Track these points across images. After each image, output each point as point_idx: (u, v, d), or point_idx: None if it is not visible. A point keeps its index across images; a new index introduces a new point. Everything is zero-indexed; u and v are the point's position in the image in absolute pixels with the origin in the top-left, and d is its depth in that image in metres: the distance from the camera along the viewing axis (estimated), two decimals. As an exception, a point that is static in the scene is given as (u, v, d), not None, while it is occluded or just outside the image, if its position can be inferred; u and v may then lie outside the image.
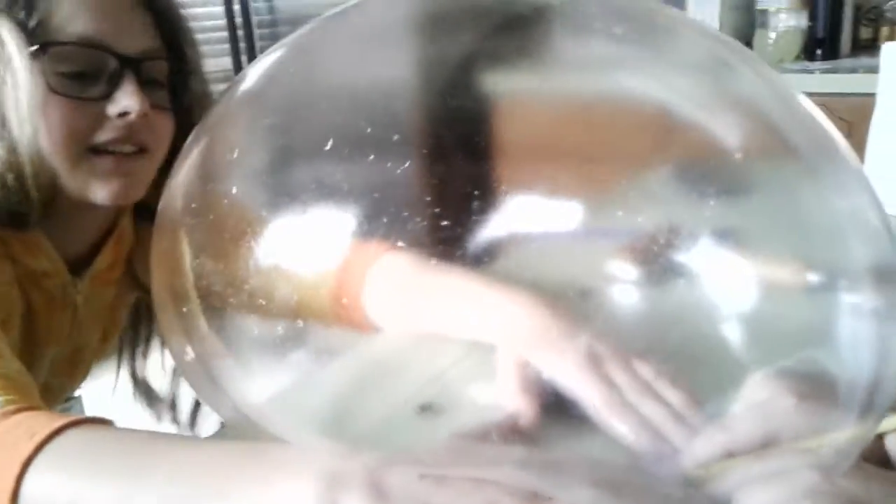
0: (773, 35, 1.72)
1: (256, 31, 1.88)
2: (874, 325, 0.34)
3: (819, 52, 1.71)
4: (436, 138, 0.51)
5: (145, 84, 0.59)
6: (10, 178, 0.55)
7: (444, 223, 0.51)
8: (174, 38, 0.63)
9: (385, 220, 0.53)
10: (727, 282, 0.44)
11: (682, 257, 0.45)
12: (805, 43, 1.72)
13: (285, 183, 0.49)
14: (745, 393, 0.43)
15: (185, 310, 0.43)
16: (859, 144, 0.88)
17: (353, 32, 0.49)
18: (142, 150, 0.60)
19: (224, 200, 0.44)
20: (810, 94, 1.37)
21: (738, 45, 0.38)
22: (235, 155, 0.45)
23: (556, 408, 0.47)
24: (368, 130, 0.51)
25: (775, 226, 0.39)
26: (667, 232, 0.47)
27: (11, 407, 0.44)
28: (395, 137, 0.51)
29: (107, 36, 0.57)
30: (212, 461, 0.40)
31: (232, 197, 0.44)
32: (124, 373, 0.79)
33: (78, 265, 0.66)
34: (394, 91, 0.50)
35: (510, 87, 0.47)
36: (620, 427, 0.45)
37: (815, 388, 0.39)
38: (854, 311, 0.35)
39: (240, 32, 1.87)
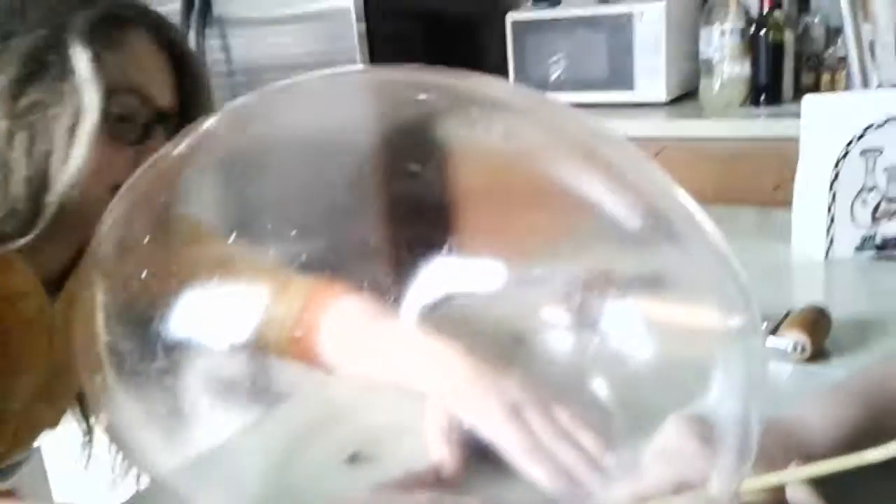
0: (717, 83, 1.77)
1: (213, 81, 1.90)
2: (743, 369, 0.37)
3: (763, 98, 1.77)
4: (386, 191, 0.53)
5: (167, 136, 0.62)
6: (23, 194, 0.56)
7: (392, 270, 0.53)
8: (193, 97, 0.67)
9: (333, 271, 0.55)
10: (635, 333, 0.46)
11: (595, 311, 0.48)
12: (749, 89, 1.78)
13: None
14: (656, 437, 0.45)
15: (98, 378, 0.44)
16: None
17: (302, 95, 0.51)
18: None
19: (139, 280, 0.45)
20: (756, 139, 1.39)
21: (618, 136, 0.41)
22: (147, 238, 0.46)
23: (479, 456, 0.49)
24: (320, 185, 0.53)
25: (670, 285, 0.43)
26: (585, 286, 0.50)
27: None
28: (347, 193, 0.54)
29: (149, 88, 0.62)
30: None
31: (149, 276, 0.45)
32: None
33: (54, 286, 0.66)
34: (344, 147, 0.52)
35: (454, 146, 0.49)
36: (538, 473, 0.46)
37: (713, 430, 0.40)
38: (728, 358, 0.37)
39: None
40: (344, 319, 0.58)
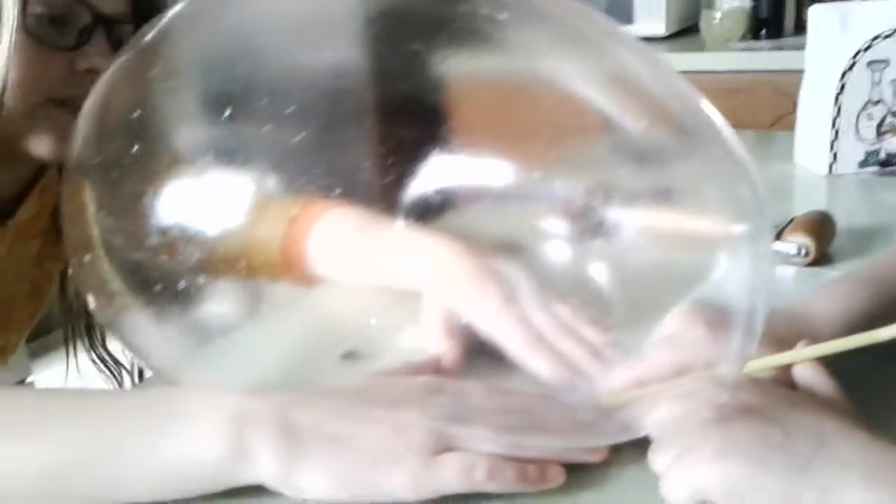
0: (718, 15, 1.74)
1: None
2: (750, 264, 0.37)
3: (764, 31, 1.74)
4: (384, 100, 0.51)
5: (111, 44, 0.58)
6: None
7: (389, 183, 0.51)
8: (146, 4, 0.61)
9: (329, 178, 0.53)
10: (639, 234, 0.45)
11: (601, 216, 0.47)
12: (750, 23, 1.75)
13: (212, 138, 0.49)
14: (660, 327, 0.45)
15: (87, 258, 0.42)
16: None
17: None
18: None
19: (130, 156, 0.44)
20: (756, 72, 1.37)
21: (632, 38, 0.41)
22: (138, 113, 0.44)
23: (479, 350, 0.48)
24: (314, 88, 0.51)
25: (681, 191, 0.42)
26: (587, 194, 0.49)
27: None
28: (341, 98, 0.52)
29: None
30: (110, 410, 0.39)
31: (139, 153, 0.44)
32: (81, 355, 0.74)
33: (2, 213, 0.63)
34: (337, 48, 0.50)
35: (455, 61, 0.48)
36: (537, 364, 0.45)
37: (719, 316, 0.39)
38: (735, 254, 0.38)
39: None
40: (332, 232, 0.56)
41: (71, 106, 0.56)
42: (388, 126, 0.53)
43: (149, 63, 0.46)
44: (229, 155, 0.49)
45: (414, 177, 0.50)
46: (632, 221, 0.48)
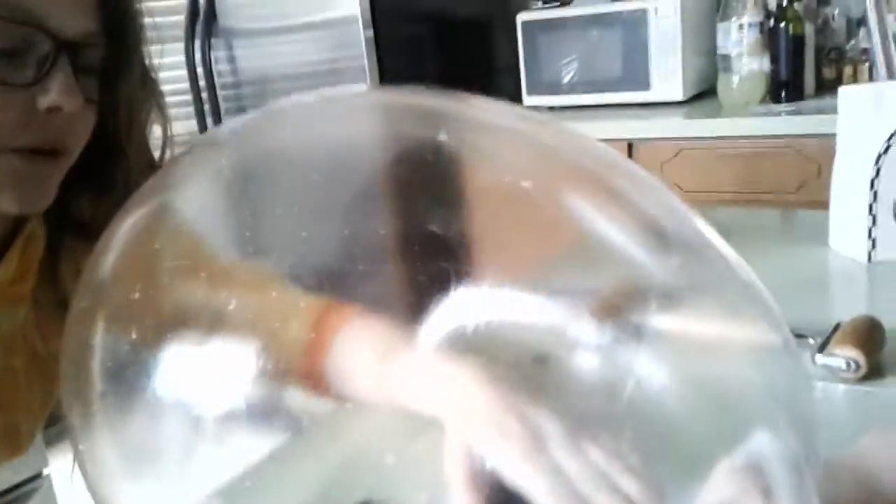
0: (736, 79, 1.72)
1: (220, 93, 1.86)
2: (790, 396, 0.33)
3: (783, 94, 1.71)
4: (401, 203, 0.49)
5: (78, 72, 0.50)
6: None
7: (408, 289, 0.49)
8: (118, 21, 0.54)
9: (347, 286, 0.51)
10: (674, 351, 0.42)
11: (632, 327, 0.44)
12: (769, 85, 1.72)
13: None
14: (709, 487, 0.40)
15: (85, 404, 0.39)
16: (827, 184, 0.86)
17: (313, 112, 0.48)
18: (57, 151, 0.51)
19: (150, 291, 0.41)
20: (778, 137, 1.34)
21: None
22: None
23: (504, 500, 0.44)
24: (334, 198, 0.49)
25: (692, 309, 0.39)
26: (617, 300, 0.46)
27: None
28: (360, 205, 0.50)
29: (42, 11, 0.48)
30: None
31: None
32: None
33: None
34: (360, 162, 0.48)
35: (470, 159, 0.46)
36: (569, 522, 0.41)
37: (773, 478, 0.35)
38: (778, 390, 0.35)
39: (204, 95, 1.85)
40: (355, 344, 0.53)
41: (36, 153, 0.50)
42: (410, 245, 0.51)
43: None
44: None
45: (436, 297, 0.47)
46: (658, 333, 0.45)
